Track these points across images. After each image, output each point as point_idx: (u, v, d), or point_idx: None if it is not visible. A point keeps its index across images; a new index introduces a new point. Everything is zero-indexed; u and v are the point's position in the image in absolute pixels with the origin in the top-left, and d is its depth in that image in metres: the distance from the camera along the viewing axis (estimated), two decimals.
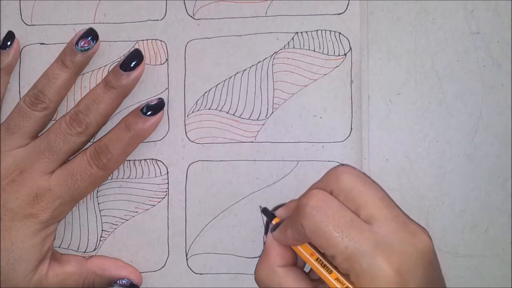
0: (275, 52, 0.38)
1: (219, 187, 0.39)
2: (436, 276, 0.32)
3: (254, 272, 0.34)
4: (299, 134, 0.38)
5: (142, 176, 0.39)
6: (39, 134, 0.39)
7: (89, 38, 0.38)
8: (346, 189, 0.32)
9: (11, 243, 0.36)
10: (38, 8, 0.40)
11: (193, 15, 0.39)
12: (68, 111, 0.38)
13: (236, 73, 0.39)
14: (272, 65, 0.38)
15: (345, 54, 0.38)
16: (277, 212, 0.35)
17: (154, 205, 0.39)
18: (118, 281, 0.38)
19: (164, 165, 0.39)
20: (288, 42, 0.38)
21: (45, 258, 0.37)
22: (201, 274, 0.39)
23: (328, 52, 0.38)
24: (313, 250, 0.32)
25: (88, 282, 0.38)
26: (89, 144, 0.39)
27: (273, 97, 0.38)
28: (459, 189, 0.37)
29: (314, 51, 0.38)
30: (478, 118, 0.37)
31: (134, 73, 0.38)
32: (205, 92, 0.39)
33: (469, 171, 0.37)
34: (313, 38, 0.38)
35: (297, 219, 0.31)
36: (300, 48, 0.38)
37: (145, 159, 0.39)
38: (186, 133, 0.39)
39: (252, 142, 0.38)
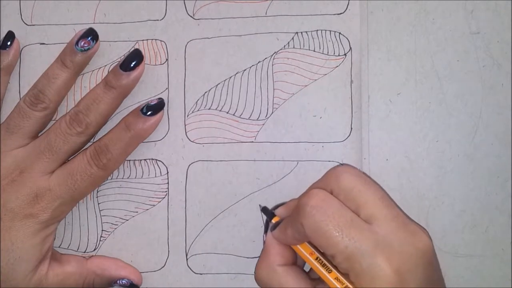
0: (275, 52, 0.38)
1: (219, 187, 0.39)
2: (436, 276, 0.32)
3: (254, 271, 0.34)
4: (299, 134, 0.38)
5: (142, 176, 0.39)
6: (39, 134, 0.39)
7: (89, 38, 0.38)
8: (346, 188, 0.32)
9: (11, 243, 0.36)
10: (38, 8, 0.40)
11: (193, 15, 0.39)
12: (68, 111, 0.38)
13: (236, 73, 0.39)
14: (272, 65, 0.38)
15: (345, 54, 0.38)
16: (277, 211, 0.35)
17: (154, 205, 0.39)
18: (118, 281, 0.38)
19: (164, 165, 0.39)
20: (288, 42, 0.38)
21: (45, 258, 0.37)
22: (201, 274, 0.39)
23: (328, 52, 0.38)
24: (313, 249, 0.32)
25: (88, 282, 0.38)
26: (89, 144, 0.39)
27: (273, 97, 0.38)
28: (459, 189, 0.37)
29: (314, 51, 0.38)
30: (478, 118, 0.37)
31: (134, 73, 0.38)
32: (205, 92, 0.39)
33: (469, 171, 0.37)
34: (313, 38, 0.38)
35: (297, 218, 0.31)
36: (300, 48, 0.38)
37: (145, 159, 0.39)
38: (186, 133, 0.39)
39: (252, 142, 0.38)
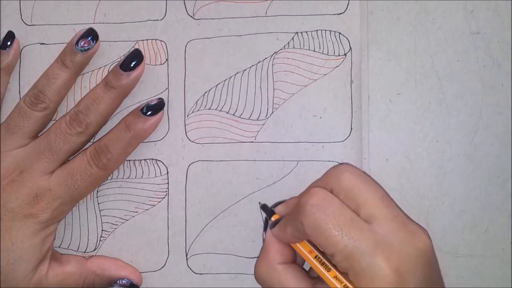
0: (275, 52, 0.38)
1: (219, 187, 0.39)
2: (435, 276, 0.32)
3: (254, 269, 0.34)
4: (299, 134, 0.38)
5: (142, 176, 0.39)
6: (39, 134, 0.39)
7: (89, 38, 0.38)
8: (346, 187, 0.32)
9: (11, 243, 0.36)
10: (38, 8, 0.40)
11: (193, 15, 0.39)
12: (68, 111, 0.38)
13: (236, 73, 0.39)
14: (272, 65, 0.38)
15: (345, 54, 0.38)
16: (276, 209, 0.35)
17: (154, 205, 0.39)
18: (118, 281, 0.38)
19: (164, 165, 0.39)
20: (288, 42, 0.38)
21: (45, 258, 0.37)
22: (201, 274, 0.39)
23: (328, 52, 0.38)
24: (312, 248, 0.32)
25: (88, 282, 0.38)
26: (89, 144, 0.39)
27: (273, 97, 0.38)
28: (459, 189, 0.37)
29: (314, 51, 0.38)
30: (478, 118, 0.37)
31: (134, 73, 0.38)
32: (205, 92, 0.39)
33: (469, 171, 0.37)
34: (313, 38, 0.38)
35: (297, 217, 0.31)
36: (300, 48, 0.38)
37: (145, 159, 0.39)
38: (186, 133, 0.39)
39: (252, 142, 0.38)
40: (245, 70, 0.39)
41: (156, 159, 0.39)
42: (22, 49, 0.40)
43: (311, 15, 0.38)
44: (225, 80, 0.39)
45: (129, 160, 0.39)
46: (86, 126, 0.37)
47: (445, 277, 0.34)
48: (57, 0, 0.40)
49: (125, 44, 0.39)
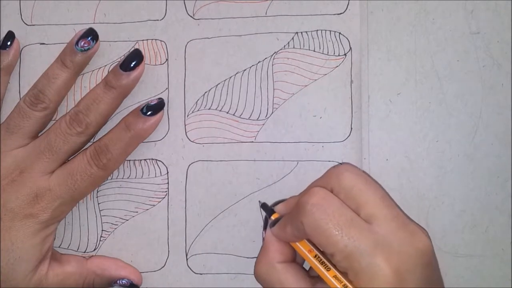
0: (275, 52, 0.38)
1: (219, 187, 0.39)
2: (435, 276, 0.32)
3: (254, 268, 0.34)
4: (299, 134, 0.38)
5: (142, 176, 0.39)
6: (39, 134, 0.39)
7: (89, 38, 0.38)
8: (346, 187, 0.32)
9: (11, 243, 0.36)
10: (38, 8, 0.40)
11: (193, 15, 0.39)
12: (68, 111, 0.38)
13: (236, 73, 0.39)
14: (272, 65, 0.38)
15: (345, 54, 0.38)
16: (276, 208, 0.35)
17: (154, 205, 0.39)
18: (118, 281, 0.38)
19: (164, 165, 0.39)
20: (288, 42, 0.38)
21: (45, 258, 0.37)
22: (201, 274, 0.39)
23: (328, 52, 0.38)
24: (312, 247, 0.32)
25: (88, 282, 0.38)
26: (89, 144, 0.39)
27: (273, 97, 0.38)
28: (459, 189, 0.37)
29: (314, 51, 0.38)
30: (478, 118, 0.37)
31: (134, 73, 0.38)
32: (205, 92, 0.39)
33: (469, 171, 0.37)
34: (313, 38, 0.38)
35: (297, 216, 0.31)
36: (300, 48, 0.38)
37: (145, 159, 0.39)
38: (186, 133, 0.39)
39: (252, 142, 0.38)
40: (245, 70, 0.39)
41: (156, 159, 0.39)
42: (22, 49, 0.40)
43: (311, 15, 0.38)
44: (225, 80, 0.39)
45: (129, 160, 0.39)
46: (86, 126, 0.37)
47: (445, 277, 0.34)
48: (57, 0, 0.40)
49: (125, 44, 0.39)
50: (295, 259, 0.34)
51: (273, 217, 0.35)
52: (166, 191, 0.39)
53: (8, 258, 0.36)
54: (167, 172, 0.39)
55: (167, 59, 0.39)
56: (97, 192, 0.39)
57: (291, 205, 0.35)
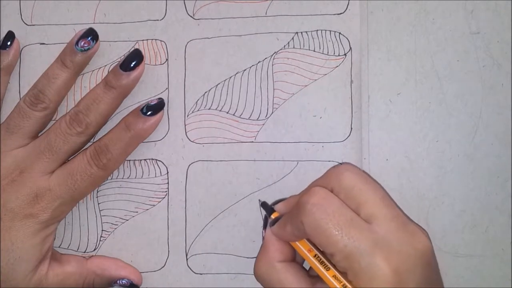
0: (275, 52, 0.38)
1: (219, 187, 0.39)
2: (434, 277, 0.32)
3: (253, 267, 0.34)
4: (299, 134, 0.38)
5: (142, 176, 0.39)
6: (39, 134, 0.39)
7: (89, 38, 0.38)
8: (347, 187, 0.32)
9: (11, 243, 0.36)
10: (38, 8, 0.40)
11: (193, 15, 0.39)
12: (68, 111, 0.38)
13: (236, 73, 0.39)
14: (272, 65, 0.38)
15: (345, 54, 0.38)
16: (276, 207, 0.35)
17: (154, 205, 0.39)
18: (118, 281, 0.38)
19: (164, 165, 0.39)
20: (288, 42, 0.38)
21: (45, 258, 0.37)
22: (201, 274, 0.39)
23: (328, 52, 0.38)
24: (312, 247, 0.32)
25: (88, 282, 0.38)
26: (89, 144, 0.39)
27: (273, 97, 0.38)
28: (459, 189, 0.37)
29: (314, 51, 0.38)
30: (478, 118, 0.37)
31: (134, 73, 0.38)
32: (205, 92, 0.39)
33: (469, 171, 0.37)
34: (313, 38, 0.38)
35: (297, 216, 0.31)
36: (300, 48, 0.38)
37: (145, 159, 0.39)
38: (186, 133, 0.39)
39: (252, 142, 0.38)
40: (245, 70, 0.39)
41: (156, 159, 0.39)
42: (22, 49, 0.40)
43: (311, 15, 0.38)
44: (225, 80, 0.39)
45: (129, 160, 0.39)
46: (86, 126, 0.37)
47: (445, 277, 0.34)
48: (57, 0, 0.40)
49: (125, 44, 0.39)
50: (295, 259, 0.34)
51: (273, 216, 0.35)
52: (166, 191, 0.39)
53: (8, 258, 0.36)
54: (167, 172, 0.39)
55: (167, 59, 0.39)
56: (97, 192, 0.39)
57: (291, 204, 0.35)
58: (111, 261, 0.39)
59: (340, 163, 0.38)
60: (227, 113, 0.39)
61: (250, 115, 0.38)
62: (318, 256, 0.32)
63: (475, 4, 0.37)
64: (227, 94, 0.39)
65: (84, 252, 0.40)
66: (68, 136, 0.37)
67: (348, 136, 0.38)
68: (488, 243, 0.37)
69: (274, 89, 0.38)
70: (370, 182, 0.32)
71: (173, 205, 0.39)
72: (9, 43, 0.39)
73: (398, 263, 0.29)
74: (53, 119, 0.39)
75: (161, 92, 0.39)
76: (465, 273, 0.37)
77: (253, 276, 0.34)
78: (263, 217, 0.37)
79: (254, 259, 0.35)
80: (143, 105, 0.37)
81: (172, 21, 0.39)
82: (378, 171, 0.38)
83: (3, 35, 0.39)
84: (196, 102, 0.39)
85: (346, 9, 0.38)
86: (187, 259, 0.39)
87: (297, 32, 0.38)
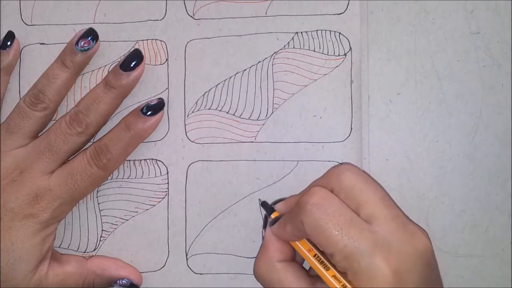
0: (275, 52, 0.38)
1: (219, 187, 0.39)
2: (434, 277, 0.32)
3: (253, 267, 0.34)
4: (299, 134, 0.38)
5: (142, 176, 0.39)
6: (39, 134, 0.39)
7: (89, 38, 0.38)
8: (347, 187, 0.32)
9: (11, 243, 0.36)
10: (38, 8, 0.40)
11: (193, 15, 0.39)
12: (68, 111, 0.38)
13: (236, 73, 0.39)
14: (272, 65, 0.38)
15: (345, 54, 0.38)
16: (276, 207, 0.35)
17: (154, 205, 0.39)
18: (118, 281, 0.38)
19: (164, 165, 0.39)
20: (288, 42, 0.38)
21: (45, 258, 0.37)
22: (201, 274, 0.39)
23: (328, 52, 0.38)
24: (311, 247, 0.32)
25: (88, 282, 0.38)
26: (89, 144, 0.39)
27: (273, 97, 0.38)
28: (459, 189, 0.37)
29: (314, 51, 0.38)
30: (478, 118, 0.37)
31: (134, 73, 0.38)
32: (205, 92, 0.39)
33: (469, 171, 0.37)
34: (313, 38, 0.38)
35: (297, 215, 0.31)
36: (300, 48, 0.38)
37: (145, 159, 0.39)
38: (186, 133, 0.39)
39: (252, 142, 0.38)
40: (245, 70, 0.39)
41: (156, 159, 0.39)
42: (22, 49, 0.40)
43: (311, 15, 0.38)
44: (225, 80, 0.39)
45: (129, 160, 0.39)
46: (86, 126, 0.37)
47: (445, 277, 0.34)
48: (57, 0, 0.40)
49: (125, 44, 0.39)
50: (295, 258, 0.34)
51: (273, 216, 0.35)
52: (166, 191, 0.39)
53: (8, 258, 0.36)
54: (167, 172, 0.39)
55: (167, 59, 0.39)
56: (97, 192, 0.39)
57: (291, 204, 0.35)
58: (111, 261, 0.39)
59: (340, 163, 0.38)
60: (227, 113, 0.39)
61: (250, 115, 0.38)
62: (318, 256, 0.32)
63: (475, 4, 0.37)
64: (227, 94, 0.39)
65: (84, 252, 0.40)
66: (68, 136, 0.37)
67: (348, 136, 0.38)
68: (488, 243, 0.37)
69: (274, 89, 0.38)
70: (370, 182, 0.32)
71: (173, 205, 0.39)
72: (9, 43, 0.39)
73: (398, 263, 0.29)
74: (53, 119, 0.39)
75: (161, 92, 0.39)
76: (465, 273, 0.37)
77: (253, 276, 0.34)
78: (263, 216, 0.37)
79: (254, 259, 0.35)
80: (143, 105, 0.37)
81: (172, 21, 0.39)
82: (378, 171, 0.38)
83: (3, 35, 0.39)
84: (196, 102, 0.39)
85: (346, 9, 0.38)
86: (187, 259, 0.39)
87: (297, 32, 0.38)
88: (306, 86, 0.38)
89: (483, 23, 0.37)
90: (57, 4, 0.40)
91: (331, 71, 0.38)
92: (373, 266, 0.29)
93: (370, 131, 0.38)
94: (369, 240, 0.30)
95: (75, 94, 0.39)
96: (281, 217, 0.34)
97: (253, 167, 0.38)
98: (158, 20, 0.39)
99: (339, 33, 0.38)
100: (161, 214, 0.39)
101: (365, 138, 0.38)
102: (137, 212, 0.39)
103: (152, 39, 0.39)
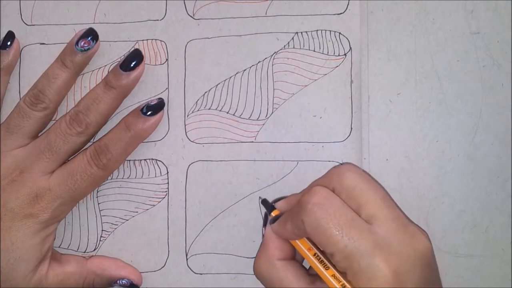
0: (275, 52, 0.38)
1: (219, 187, 0.39)
2: (433, 278, 0.32)
3: (253, 265, 0.34)
4: (299, 134, 0.38)
5: (142, 176, 0.39)
6: (39, 134, 0.39)
7: (89, 38, 0.38)
8: (348, 187, 0.32)
9: (11, 243, 0.36)
10: (38, 8, 0.40)
11: (193, 15, 0.39)
12: (68, 111, 0.38)
13: (236, 73, 0.39)
14: (272, 65, 0.38)
15: (345, 54, 0.38)
16: (277, 205, 0.35)
17: (154, 205, 0.39)
18: (118, 281, 0.38)
19: (164, 165, 0.39)
20: (288, 42, 0.38)
21: (45, 258, 0.37)
22: (201, 274, 0.39)
23: (328, 52, 0.38)
24: (311, 246, 0.32)
25: (88, 282, 0.38)
26: (89, 144, 0.39)
27: (273, 97, 0.38)
28: (459, 189, 0.37)
29: (314, 51, 0.38)
30: (478, 118, 0.37)
31: (134, 73, 0.38)
32: (205, 92, 0.39)
33: (469, 171, 0.37)
34: (313, 38, 0.38)
35: (298, 214, 0.31)
36: (300, 48, 0.38)
37: (145, 159, 0.39)
38: (186, 133, 0.39)
39: (252, 142, 0.38)
40: (245, 70, 0.39)
41: (156, 159, 0.39)
42: (22, 49, 0.40)
43: (311, 15, 0.38)
44: (225, 80, 0.39)
45: (129, 160, 0.39)
46: (86, 126, 0.37)
47: (445, 277, 0.34)
48: (57, 0, 0.40)
49: (125, 44, 0.39)
50: (295, 257, 0.34)
51: (273, 214, 0.35)
52: (166, 191, 0.39)
53: (8, 258, 0.36)
54: (167, 172, 0.39)
55: (167, 59, 0.39)
56: (97, 192, 0.39)
57: (292, 202, 0.35)
58: (111, 261, 0.39)
59: (341, 163, 0.38)
60: (227, 113, 0.39)
61: (250, 115, 0.38)
62: (318, 255, 0.32)
63: (475, 4, 0.37)
64: (227, 94, 0.39)
65: (84, 252, 0.40)
66: (68, 136, 0.37)
67: (348, 136, 0.38)
68: (488, 243, 0.37)
69: (274, 89, 0.38)
70: (372, 183, 0.32)
71: (173, 205, 0.39)
72: (9, 43, 0.39)
73: (397, 264, 0.29)
74: (53, 119, 0.39)
75: (161, 92, 0.39)
76: (465, 273, 0.37)
77: (253, 276, 0.34)
78: (263, 214, 0.37)
79: (254, 258, 0.35)
80: (143, 105, 0.37)
81: (172, 21, 0.39)
82: (378, 171, 0.38)
83: (3, 35, 0.39)
84: (196, 102, 0.39)
85: (346, 9, 0.38)
86: (187, 259, 0.39)
87: (297, 32, 0.38)
88: (306, 86, 0.38)
89: (483, 23, 0.37)
90: (57, 4, 0.40)
91: (331, 71, 0.38)
92: (373, 267, 0.29)
93: (370, 131, 0.38)
94: (370, 241, 0.30)
95: (75, 94, 0.39)
96: (281, 215, 0.34)
97: (253, 167, 0.38)
98: (158, 20, 0.39)
99: (339, 33, 0.38)
100: (161, 214, 0.39)
101: (365, 138, 0.38)
102: (137, 212, 0.39)
103: (152, 39, 0.39)
